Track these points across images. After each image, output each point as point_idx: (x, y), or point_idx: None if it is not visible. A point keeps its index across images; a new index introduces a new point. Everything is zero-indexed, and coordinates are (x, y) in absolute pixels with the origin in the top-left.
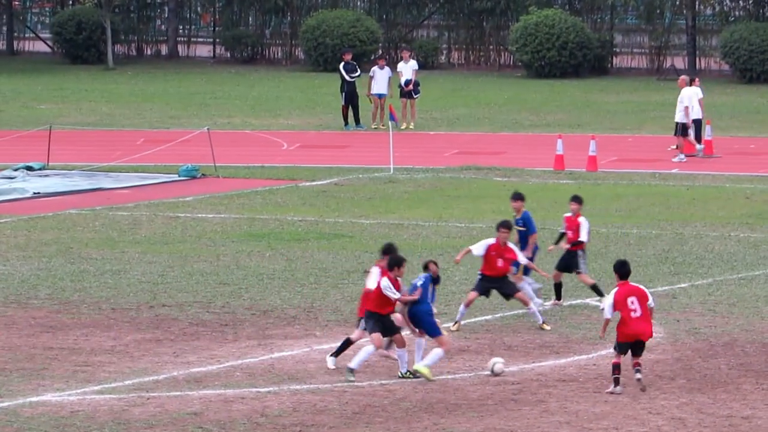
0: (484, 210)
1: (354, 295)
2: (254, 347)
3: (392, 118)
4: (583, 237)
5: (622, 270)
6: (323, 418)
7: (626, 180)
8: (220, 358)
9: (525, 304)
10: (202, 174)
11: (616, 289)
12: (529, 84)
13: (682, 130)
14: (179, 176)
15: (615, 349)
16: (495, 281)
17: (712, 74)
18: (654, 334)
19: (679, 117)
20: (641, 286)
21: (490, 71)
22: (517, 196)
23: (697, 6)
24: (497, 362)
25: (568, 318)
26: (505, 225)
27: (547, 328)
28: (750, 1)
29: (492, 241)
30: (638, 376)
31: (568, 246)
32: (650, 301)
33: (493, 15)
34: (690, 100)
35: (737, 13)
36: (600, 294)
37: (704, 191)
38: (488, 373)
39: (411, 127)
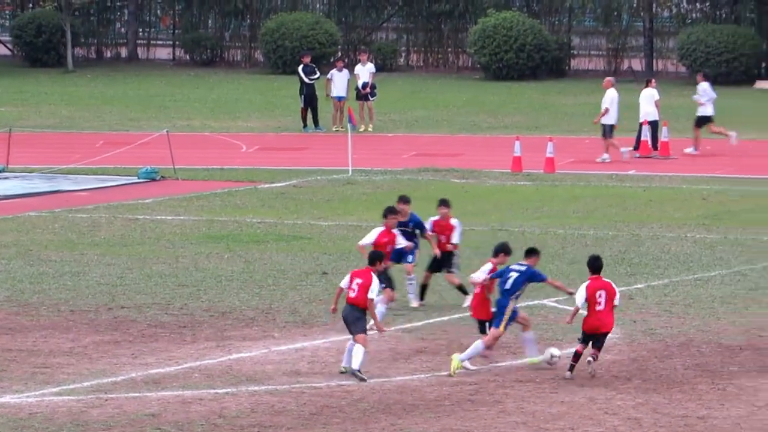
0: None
1: (312, 296)
2: (212, 349)
3: (350, 120)
4: (456, 239)
5: (595, 265)
6: (281, 419)
7: (583, 181)
8: (179, 359)
9: (390, 300)
10: (162, 176)
11: (588, 282)
12: (487, 86)
13: (609, 131)
14: (138, 178)
15: (579, 339)
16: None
17: (669, 76)
18: (613, 335)
19: (604, 119)
20: (612, 284)
21: (448, 73)
22: (404, 200)
23: (654, 8)
24: (553, 352)
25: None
26: (390, 211)
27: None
28: (707, 4)
29: (381, 228)
30: (589, 358)
31: (437, 252)
32: (617, 299)
33: (452, 17)
34: (612, 102)
35: (694, 15)
36: (465, 293)
37: (661, 192)
38: (546, 361)
39: (369, 129)
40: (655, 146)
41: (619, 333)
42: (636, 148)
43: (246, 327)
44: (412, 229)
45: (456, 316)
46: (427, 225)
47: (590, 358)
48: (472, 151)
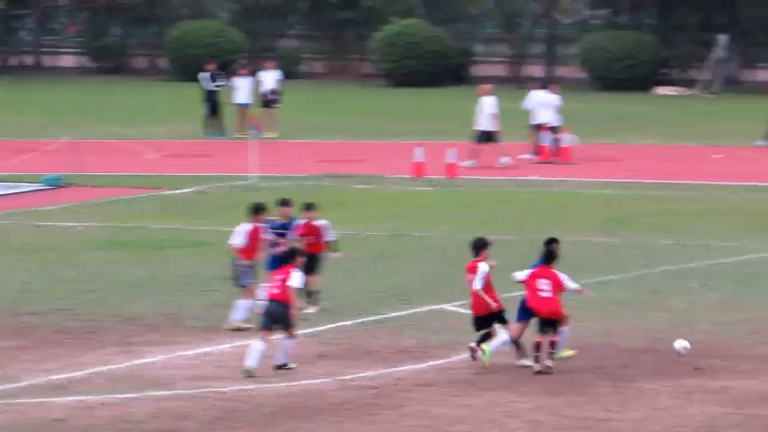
0: (344, 217)
1: (217, 302)
2: (117, 354)
3: (254, 127)
4: (328, 238)
5: (547, 256)
6: (185, 424)
7: (485, 187)
8: (84, 364)
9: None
10: (67, 183)
11: (534, 268)
12: (391, 93)
13: (485, 137)
14: (43, 185)
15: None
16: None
17: (570, 82)
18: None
19: (483, 125)
20: (562, 278)
21: (352, 80)
22: (285, 203)
23: (555, 15)
24: (683, 344)
25: (427, 323)
26: (257, 209)
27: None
28: (608, 10)
29: (249, 226)
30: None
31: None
32: (565, 289)
33: (355, 25)
34: (492, 107)
35: (595, 21)
36: (315, 300)
37: (562, 197)
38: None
39: (273, 135)
40: (555, 152)
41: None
42: (536, 153)
43: (151, 332)
44: (283, 228)
45: (358, 320)
46: (294, 227)
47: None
48: (376, 157)
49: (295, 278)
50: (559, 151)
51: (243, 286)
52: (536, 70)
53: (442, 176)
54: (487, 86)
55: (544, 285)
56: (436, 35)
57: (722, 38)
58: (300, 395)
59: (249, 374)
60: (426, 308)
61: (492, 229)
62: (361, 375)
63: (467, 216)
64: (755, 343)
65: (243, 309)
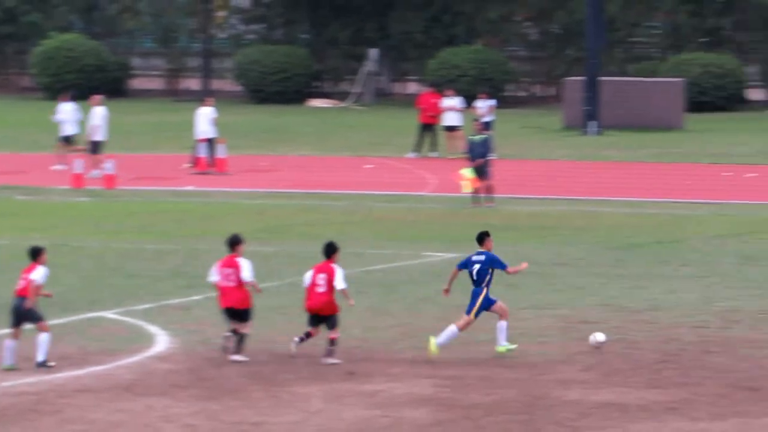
0: (3, 227)
1: None
2: None
3: None
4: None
5: (326, 250)
6: None
7: (143, 197)
8: None
9: None
10: None
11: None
12: (50, 106)
13: (92, 147)
14: None
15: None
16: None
17: (225, 95)
18: (169, 345)
19: (93, 135)
20: (336, 269)
21: (10, 94)
22: None
23: (211, 30)
24: (598, 336)
25: (87, 330)
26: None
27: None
28: (262, 25)
29: None
30: (329, 353)
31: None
32: (335, 282)
33: (14, 40)
34: (102, 118)
35: (250, 36)
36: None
37: (219, 207)
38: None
39: None
40: (211, 163)
41: (177, 343)
42: (194, 164)
43: None
44: None
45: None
46: None
47: (330, 352)
48: (36, 169)
49: (40, 275)
50: (215, 162)
51: None
52: (193, 84)
53: (102, 187)
54: (98, 97)
55: (323, 281)
56: (94, 49)
57: (373, 52)
58: None
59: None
60: (85, 316)
61: (149, 239)
62: (20, 382)
63: (124, 226)
64: (404, 348)
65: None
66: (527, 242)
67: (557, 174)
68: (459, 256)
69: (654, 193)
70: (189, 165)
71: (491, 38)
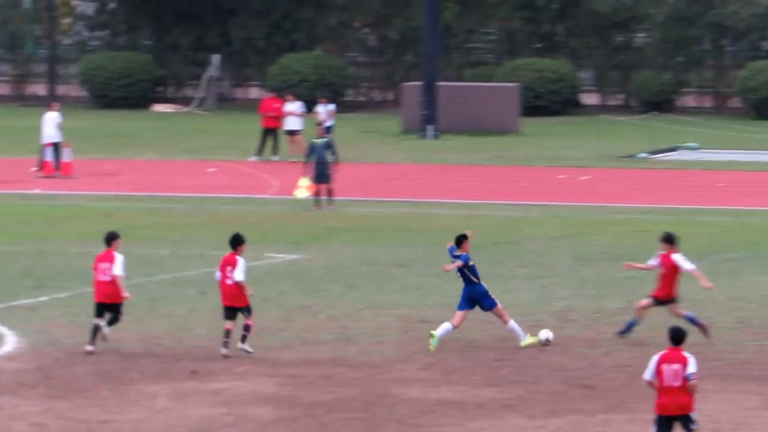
0: None
1: None
2: None
3: None
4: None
5: (233, 242)
6: None
7: None
8: None
9: None
10: None
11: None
12: None
13: None
14: None
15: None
16: None
17: (71, 100)
18: (18, 345)
19: None
20: (239, 260)
21: None
22: None
23: (56, 37)
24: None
25: None
26: None
27: None
28: (106, 32)
29: None
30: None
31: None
32: (236, 273)
33: None
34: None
35: (94, 43)
36: None
37: (65, 210)
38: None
39: None
40: (57, 166)
41: (24, 343)
42: (40, 168)
43: None
44: None
45: None
46: None
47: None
48: None
49: None
50: (60, 165)
51: None
52: (39, 89)
53: None
54: None
55: (230, 273)
56: None
57: (215, 58)
58: None
59: None
60: None
61: None
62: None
63: None
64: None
65: None
66: (366, 244)
67: (395, 177)
68: (301, 257)
69: (490, 196)
70: (36, 169)
71: (331, 44)
